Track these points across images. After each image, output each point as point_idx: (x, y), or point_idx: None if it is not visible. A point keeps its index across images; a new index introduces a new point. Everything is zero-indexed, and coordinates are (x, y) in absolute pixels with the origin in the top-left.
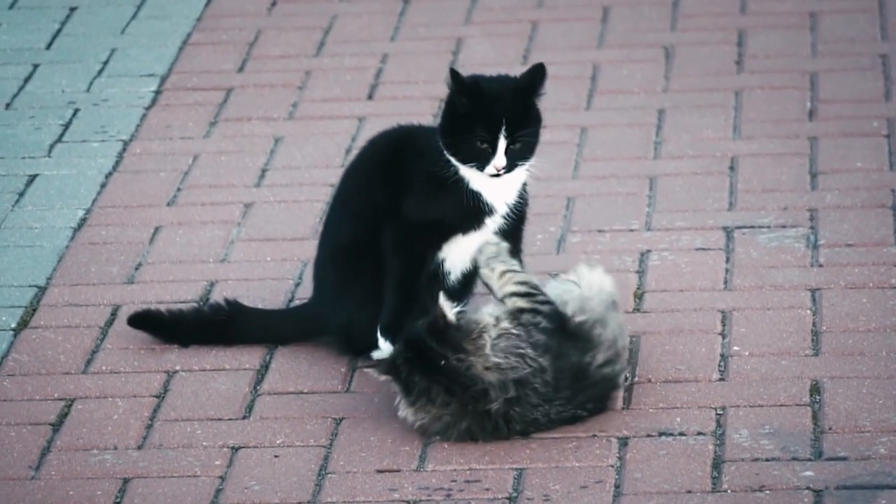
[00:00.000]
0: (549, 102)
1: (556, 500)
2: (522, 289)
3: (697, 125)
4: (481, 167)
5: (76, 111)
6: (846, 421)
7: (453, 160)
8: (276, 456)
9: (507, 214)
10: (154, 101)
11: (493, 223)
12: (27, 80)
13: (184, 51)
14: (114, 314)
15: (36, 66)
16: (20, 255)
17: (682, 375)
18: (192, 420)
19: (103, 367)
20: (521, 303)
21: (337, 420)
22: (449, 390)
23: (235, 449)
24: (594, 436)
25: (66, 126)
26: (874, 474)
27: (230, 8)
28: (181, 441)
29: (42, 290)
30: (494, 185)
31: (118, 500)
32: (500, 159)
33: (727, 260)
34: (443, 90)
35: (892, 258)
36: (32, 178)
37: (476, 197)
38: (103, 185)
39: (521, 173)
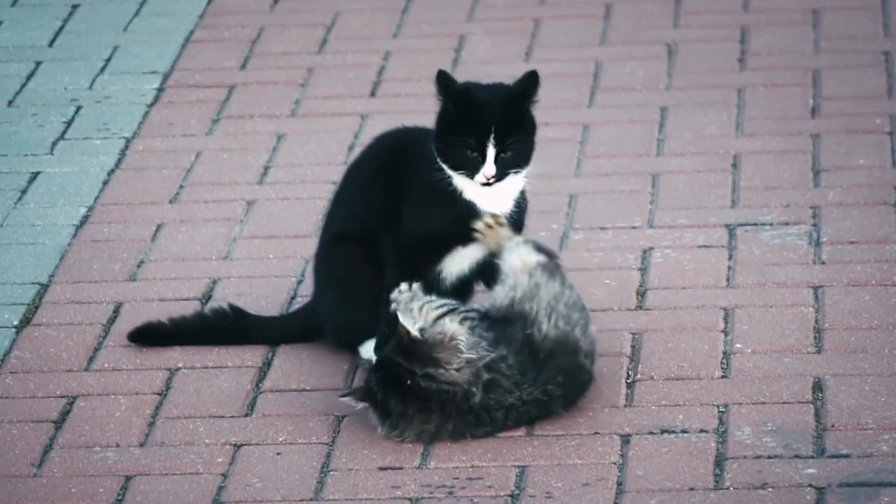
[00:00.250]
0: (551, 100)
1: (558, 498)
2: (444, 309)
3: (700, 122)
4: (471, 175)
5: (79, 108)
6: (849, 418)
7: (445, 167)
8: (278, 453)
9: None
10: (156, 99)
11: None
12: (30, 77)
13: (186, 48)
14: (116, 311)
15: (38, 64)
16: (22, 252)
17: (685, 373)
18: (195, 417)
19: (105, 365)
20: (450, 319)
21: (339, 417)
22: (424, 409)
23: (237, 446)
24: (596, 433)
25: (69, 123)
26: (877, 472)
27: (233, 5)
28: (183, 438)
29: (44, 287)
30: (488, 194)
31: (120, 497)
32: (489, 168)
33: (730, 257)
34: None
35: (895, 255)
36: (35, 175)
37: (470, 207)
38: (106, 183)
39: (516, 181)
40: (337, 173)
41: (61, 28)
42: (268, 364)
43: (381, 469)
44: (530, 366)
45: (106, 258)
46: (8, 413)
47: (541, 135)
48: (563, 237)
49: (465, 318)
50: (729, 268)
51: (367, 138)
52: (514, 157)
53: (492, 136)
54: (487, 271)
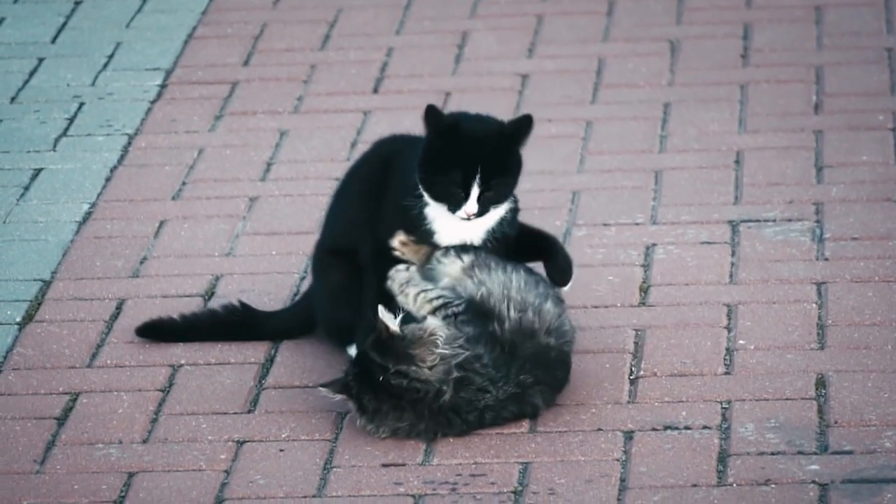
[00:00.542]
0: (554, 96)
1: (561, 494)
2: (437, 302)
3: (703, 119)
4: (453, 210)
5: (81, 105)
6: (852, 415)
7: (426, 195)
8: (281, 450)
9: (489, 241)
10: (159, 95)
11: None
12: (32, 73)
13: (189, 44)
14: (119, 308)
15: (41, 60)
16: (25, 249)
17: (688, 369)
18: (197, 414)
19: (108, 361)
20: (439, 316)
21: (342, 414)
22: (397, 406)
23: (240, 443)
24: (599, 429)
25: (71, 120)
26: (880, 468)
27: (235, 2)
28: (186, 435)
29: (47, 284)
30: (458, 226)
31: (123, 494)
32: (471, 206)
33: (733, 254)
34: (448, 83)
35: None
36: (37, 172)
37: (431, 234)
38: (108, 179)
39: (493, 214)
40: (339, 170)
41: (64, 24)
42: (270, 360)
43: (384, 465)
44: (503, 362)
45: (109, 255)
46: (11, 410)
47: (543, 131)
48: (566, 233)
49: (451, 313)
50: (732, 264)
51: (369, 135)
52: (497, 195)
53: (478, 175)
54: None
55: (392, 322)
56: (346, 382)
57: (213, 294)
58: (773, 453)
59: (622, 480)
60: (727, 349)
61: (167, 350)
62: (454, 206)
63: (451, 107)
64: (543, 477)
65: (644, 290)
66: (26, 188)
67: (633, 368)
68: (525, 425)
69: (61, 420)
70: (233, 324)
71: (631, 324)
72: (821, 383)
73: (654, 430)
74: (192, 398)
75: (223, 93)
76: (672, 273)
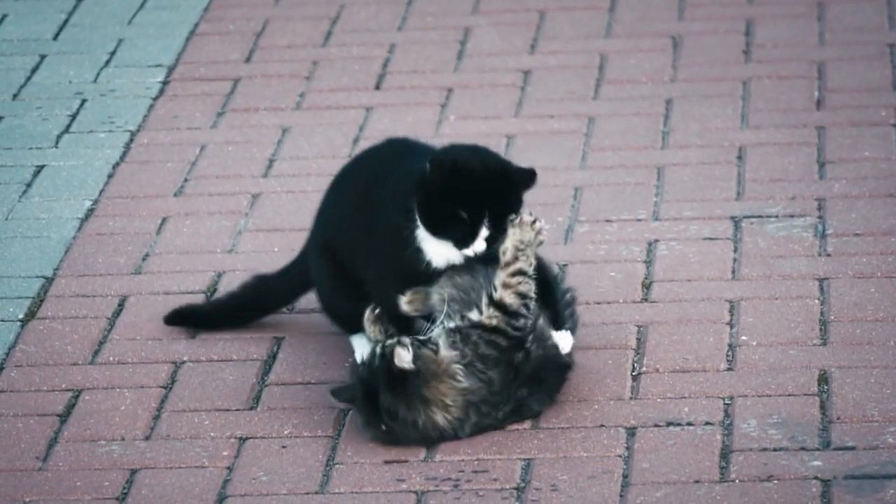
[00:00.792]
0: (556, 92)
1: (563, 491)
2: (514, 305)
3: (705, 115)
4: (459, 247)
5: (83, 102)
6: (854, 410)
7: (427, 231)
8: (283, 447)
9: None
10: (161, 92)
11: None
12: (34, 70)
13: (191, 41)
14: (121, 305)
15: (43, 57)
16: (27, 245)
17: (690, 365)
18: (200, 411)
19: (111, 358)
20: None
21: (345, 411)
22: (404, 435)
23: (243, 440)
24: (602, 426)
25: (74, 117)
26: (882, 464)
27: None
28: (189, 432)
29: (49, 280)
30: (449, 251)
31: (125, 490)
32: (479, 245)
33: (735, 249)
34: (451, 79)
35: None
36: (39, 168)
37: (419, 258)
38: (110, 176)
39: None
40: (342, 166)
41: (66, 21)
42: (273, 357)
43: (387, 462)
44: (508, 383)
45: (111, 251)
46: (13, 407)
47: (546, 127)
48: (568, 230)
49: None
50: (734, 260)
51: (372, 131)
52: (500, 231)
53: (486, 218)
54: None
55: (407, 358)
56: (353, 398)
57: (215, 290)
58: (775, 449)
59: (624, 477)
60: (729, 345)
61: (169, 347)
62: (460, 243)
63: (454, 103)
64: (546, 473)
65: (646, 287)
66: (28, 185)
67: (636, 365)
68: (527, 422)
69: (64, 417)
70: (253, 300)
71: (633, 320)
72: (823, 379)
73: (656, 426)
74: (194, 395)
75: (225, 89)
76: (674, 269)
